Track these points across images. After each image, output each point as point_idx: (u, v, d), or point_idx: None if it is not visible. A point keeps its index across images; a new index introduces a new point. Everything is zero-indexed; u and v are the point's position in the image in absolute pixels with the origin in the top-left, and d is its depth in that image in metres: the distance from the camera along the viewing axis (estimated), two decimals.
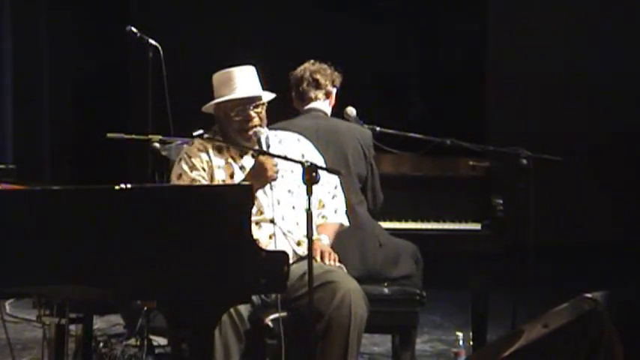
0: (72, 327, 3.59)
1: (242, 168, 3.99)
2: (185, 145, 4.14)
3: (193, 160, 3.98)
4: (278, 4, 8.18)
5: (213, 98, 4.02)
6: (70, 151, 8.12)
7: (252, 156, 3.98)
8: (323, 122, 4.47)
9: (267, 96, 4.06)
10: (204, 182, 3.93)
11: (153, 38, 4.93)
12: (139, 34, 4.91)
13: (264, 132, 3.96)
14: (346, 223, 4.19)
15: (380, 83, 8.33)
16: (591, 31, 8.57)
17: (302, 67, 4.58)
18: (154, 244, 3.24)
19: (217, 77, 4.05)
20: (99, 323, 5.33)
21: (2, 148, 7.65)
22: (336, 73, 4.60)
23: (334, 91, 4.60)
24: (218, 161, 4.00)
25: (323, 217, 4.13)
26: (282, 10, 8.15)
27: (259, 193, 3.89)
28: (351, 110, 4.69)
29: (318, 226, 4.08)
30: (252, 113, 3.97)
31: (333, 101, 4.61)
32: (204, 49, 7.86)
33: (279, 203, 3.94)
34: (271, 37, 7.86)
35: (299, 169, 3.58)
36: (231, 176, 3.98)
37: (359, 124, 4.63)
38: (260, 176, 3.84)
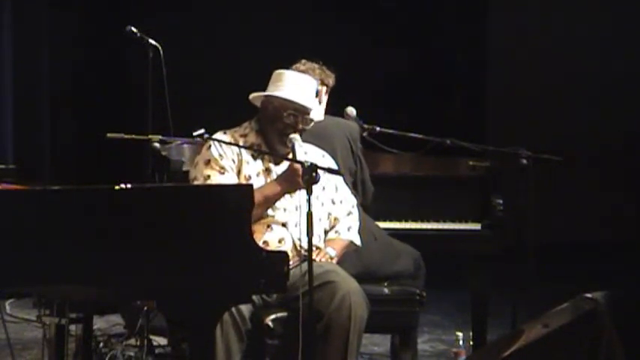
0: (72, 327, 3.58)
1: (267, 170, 3.98)
2: (219, 133, 4.00)
3: (225, 148, 3.94)
4: (280, 3, 8.18)
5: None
6: (70, 151, 8.11)
7: (276, 163, 3.97)
8: None
9: (312, 114, 4.06)
10: (232, 174, 3.91)
11: (153, 38, 4.92)
12: (139, 34, 4.91)
13: (299, 139, 3.95)
14: (358, 242, 4.18)
15: (380, 84, 8.33)
16: (591, 32, 8.57)
17: (292, 67, 4.57)
18: (154, 244, 3.24)
19: (287, 74, 4.03)
20: (99, 323, 5.32)
21: (2, 148, 7.65)
22: (327, 72, 4.57)
23: (324, 89, 4.57)
24: (247, 156, 3.98)
25: (336, 232, 4.12)
26: (284, 10, 8.15)
27: None
28: (351, 110, 4.67)
29: (327, 241, 4.09)
30: (301, 124, 3.96)
31: (322, 99, 4.59)
32: (204, 49, 7.87)
33: (296, 209, 3.92)
34: (272, 37, 7.86)
35: (323, 182, 3.56)
36: (258, 175, 3.96)
37: (359, 124, 4.63)
38: (292, 182, 3.83)
